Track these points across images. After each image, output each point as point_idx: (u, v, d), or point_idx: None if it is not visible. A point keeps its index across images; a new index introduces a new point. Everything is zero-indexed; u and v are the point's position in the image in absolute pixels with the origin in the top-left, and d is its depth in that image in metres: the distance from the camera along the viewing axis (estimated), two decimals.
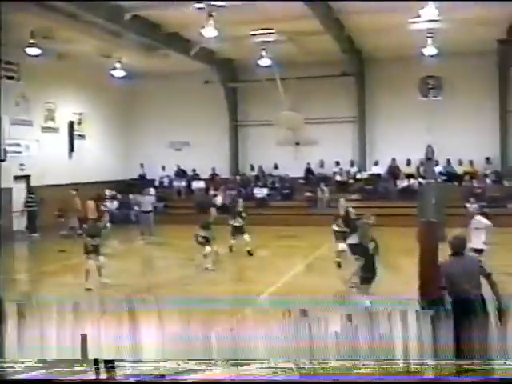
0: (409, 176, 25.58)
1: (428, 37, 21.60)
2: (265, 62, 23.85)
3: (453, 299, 7.03)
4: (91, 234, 13.62)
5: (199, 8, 17.54)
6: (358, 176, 26.71)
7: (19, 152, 22.33)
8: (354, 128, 27.41)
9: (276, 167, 28.13)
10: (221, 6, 17.28)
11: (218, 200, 25.31)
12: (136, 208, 23.88)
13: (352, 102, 27.24)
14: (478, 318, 6.81)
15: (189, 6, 17.70)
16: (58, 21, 18.60)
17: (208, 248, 15.16)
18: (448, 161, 25.81)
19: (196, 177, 28.67)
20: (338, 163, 27.09)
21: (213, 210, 16.43)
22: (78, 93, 26.57)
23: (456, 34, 21.14)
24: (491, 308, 6.96)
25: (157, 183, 28.96)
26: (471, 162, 25.69)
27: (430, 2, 17.42)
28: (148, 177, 29.43)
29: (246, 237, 17.09)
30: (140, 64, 25.12)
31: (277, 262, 16.40)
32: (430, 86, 26.34)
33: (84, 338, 6.73)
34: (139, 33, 20.91)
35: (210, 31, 18.13)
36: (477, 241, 12.48)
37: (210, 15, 17.58)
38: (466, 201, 23.02)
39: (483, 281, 7.22)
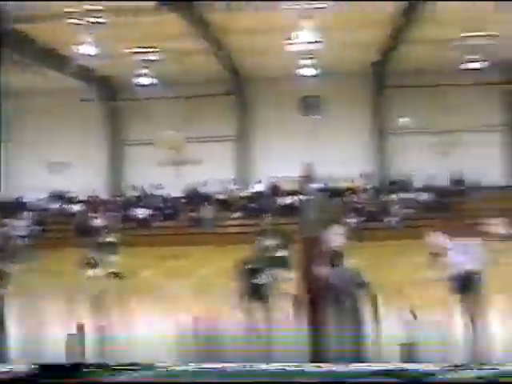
0: (290, 193, 25.98)
1: (306, 58, 22.21)
2: (146, 80, 23.56)
3: (333, 308, 7.42)
4: None
5: (77, 24, 17.06)
6: (241, 194, 26.84)
7: None
8: (237, 146, 27.62)
9: (158, 187, 27.69)
10: (99, 22, 16.89)
11: (98, 222, 24.56)
12: (9, 232, 22.65)
13: (234, 120, 27.46)
14: (352, 321, 7.33)
15: (66, 21, 17.13)
16: None
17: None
18: (327, 178, 26.51)
19: (74, 199, 27.64)
20: (220, 182, 27.06)
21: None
22: None
23: (333, 56, 21.87)
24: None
25: (33, 206, 27.62)
26: (351, 178, 26.58)
27: (306, 23, 17.92)
28: (24, 199, 28.01)
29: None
30: (12, 80, 23.99)
31: (160, 282, 16.05)
32: (309, 105, 27.12)
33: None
34: (14, 48, 19.94)
35: (87, 48, 17.67)
36: None
37: (89, 32, 17.15)
38: (346, 216, 23.79)
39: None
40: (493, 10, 17.82)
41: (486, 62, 22.63)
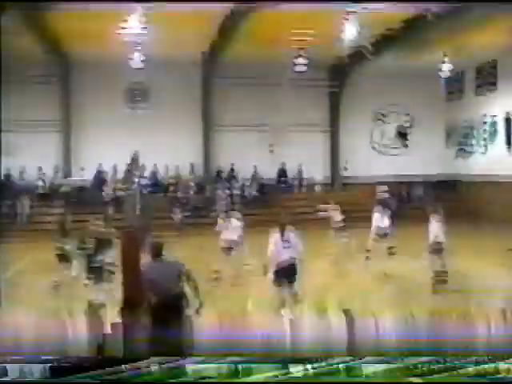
0: (115, 186, 25.18)
1: (135, 45, 21.62)
2: None
3: (155, 300, 7.49)
4: None
5: None
6: (64, 187, 25.33)
7: None
8: (59, 135, 26.26)
9: None
10: None
11: None
12: None
13: (57, 106, 26.09)
14: (176, 313, 7.41)
15: None
16: None
17: None
18: (154, 172, 26.17)
19: None
20: (40, 169, 25.43)
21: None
22: None
23: (163, 45, 21.50)
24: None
25: None
26: (177, 172, 26.42)
27: (137, 12, 17.44)
28: None
29: None
30: None
31: None
32: (136, 95, 26.57)
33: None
34: None
35: None
36: None
37: None
38: (171, 210, 23.62)
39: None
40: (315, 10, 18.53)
41: (306, 62, 23.43)
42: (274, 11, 18.71)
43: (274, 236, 9.95)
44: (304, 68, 23.60)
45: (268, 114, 26.60)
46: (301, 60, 23.33)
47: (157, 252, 7.87)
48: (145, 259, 8.25)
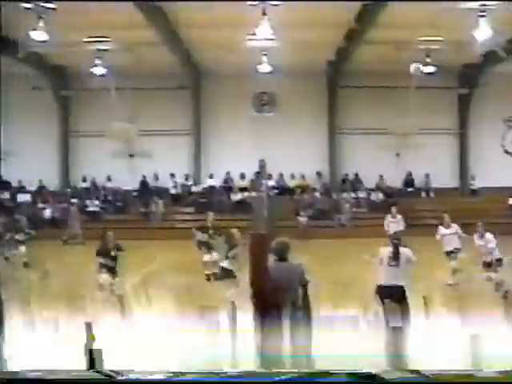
0: (242, 189, 26.03)
1: (263, 54, 22.20)
2: (99, 70, 23.12)
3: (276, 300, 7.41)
4: None
5: (27, 8, 16.59)
6: (193, 189, 26.70)
7: None
8: (190, 141, 27.41)
9: (109, 179, 27.28)
10: (50, 8, 16.47)
11: (47, 213, 24.08)
12: None
13: (188, 114, 27.24)
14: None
15: (18, 5, 16.64)
16: None
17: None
18: (280, 175, 26.68)
19: (22, 189, 26.94)
20: (172, 176, 26.91)
21: None
22: None
23: (289, 54, 21.88)
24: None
25: None
26: (303, 176, 26.76)
27: (264, 21, 17.86)
28: None
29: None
30: None
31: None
32: (263, 102, 27.14)
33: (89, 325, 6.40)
34: None
35: (39, 34, 17.22)
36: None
37: (40, 17, 16.70)
38: (296, 213, 23.89)
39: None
40: (444, 15, 18.09)
41: (435, 67, 22.90)
42: (401, 14, 18.50)
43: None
44: (432, 70, 23.09)
45: (394, 119, 26.19)
46: (428, 63, 22.86)
47: (282, 253, 7.85)
48: (270, 260, 8.43)
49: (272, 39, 19.65)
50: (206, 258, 14.00)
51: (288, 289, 7.51)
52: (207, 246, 14.12)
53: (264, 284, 7.63)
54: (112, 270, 11.34)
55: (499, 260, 12.41)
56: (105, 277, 11.21)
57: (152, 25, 19.04)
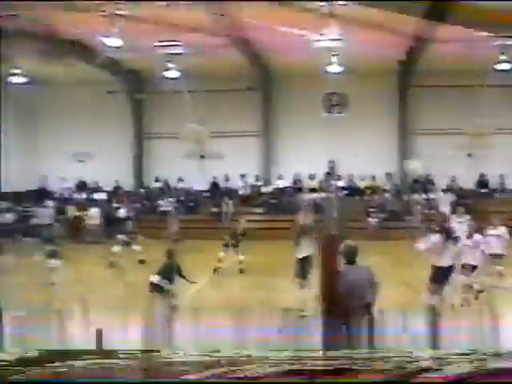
0: (312, 190, 26.02)
1: (332, 54, 22.11)
2: (171, 73, 23.64)
3: (348, 304, 7.57)
4: None
5: (103, 15, 17.16)
6: (263, 190, 26.92)
7: None
8: (259, 142, 27.65)
9: (181, 180, 27.86)
10: (125, 14, 16.98)
11: (122, 212, 24.74)
12: (34, 220, 23.02)
13: (257, 116, 27.49)
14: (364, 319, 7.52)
15: (93, 13, 17.23)
16: None
17: None
18: (350, 176, 26.54)
19: (98, 189, 27.92)
20: (242, 177, 27.23)
21: None
22: None
23: (359, 54, 21.73)
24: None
25: (57, 195, 27.93)
26: (373, 177, 26.52)
27: (333, 21, 17.84)
28: (48, 188, 28.38)
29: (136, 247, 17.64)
30: (41, 71, 24.24)
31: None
32: (333, 103, 27.02)
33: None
34: (41, 39, 20.18)
35: (114, 40, 17.77)
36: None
37: (114, 23, 17.23)
38: (367, 214, 23.72)
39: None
40: None
41: (510, 64, 22.27)
42: (471, 8, 18.04)
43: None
44: (507, 67, 22.47)
45: (468, 119, 25.54)
46: (504, 60, 22.26)
47: (351, 256, 7.94)
48: (340, 263, 8.45)
49: (341, 39, 19.59)
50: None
51: (360, 292, 7.58)
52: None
53: (335, 286, 7.68)
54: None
55: None
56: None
57: (222, 28, 19.33)
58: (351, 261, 7.91)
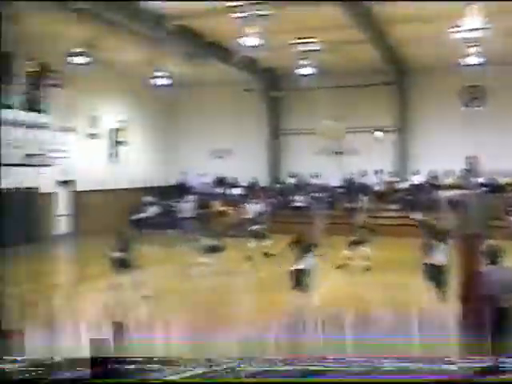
0: (450, 187, 25.20)
1: (470, 46, 21.28)
2: (306, 70, 23.83)
3: (490, 307, 7.23)
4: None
5: (241, 17, 17.64)
6: (398, 186, 26.48)
7: (63, 157, 22.58)
8: (395, 137, 27.20)
9: (315, 176, 28.04)
10: (262, 14, 17.35)
11: (258, 208, 25.36)
12: (176, 214, 24.18)
13: (393, 111, 27.06)
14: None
15: (230, 15, 17.76)
16: (103, 30, 18.97)
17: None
18: (490, 172, 25.38)
19: (235, 184, 28.76)
20: (377, 173, 26.93)
21: None
22: (122, 100, 27.06)
23: (499, 44, 20.78)
24: None
25: (197, 190, 29.09)
26: None
27: (473, 10, 17.18)
28: (188, 184, 29.67)
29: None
30: (182, 72, 25.35)
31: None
32: (471, 96, 26.03)
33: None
34: (181, 41, 21.15)
35: (251, 40, 18.19)
36: None
37: (252, 24, 17.65)
38: (506, 213, 22.66)
39: None
40: None
41: None
42: None
43: None
44: None
45: None
46: None
47: (495, 257, 7.60)
48: (482, 263, 8.16)
49: (479, 29, 18.81)
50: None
51: (506, 295, 7.28)
52: None
53: (477, 289, 7.45)
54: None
55: None
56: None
57: (357, 24, 19.24)
58: (495, 261, 7.60)
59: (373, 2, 18.32)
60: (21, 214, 20.76)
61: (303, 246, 10.88)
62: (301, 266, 10.63)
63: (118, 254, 12.73)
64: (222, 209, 17.61)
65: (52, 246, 21.79)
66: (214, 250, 15.25)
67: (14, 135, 20.59)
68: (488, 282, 7.40)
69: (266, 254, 17.63)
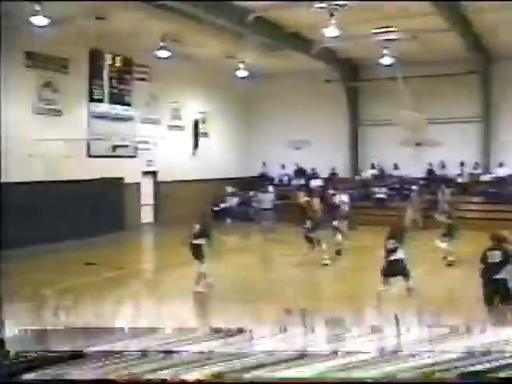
0: None
1: None
2: (386, 60, 23.61)
3: None
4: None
5: (320, 8, 17.69)
6: (481, 178, 25.76)
7: (148, 149, 23.33)
8: (478, 128, 26.51)
9: (396, 167, 27.73)
10: (343, 5, 17.35)
11: (337, 198, 25.34)
12: (255, 205, 24.55)
13: (476, 101, 26.36)
14: None
15: (310, 7, 17.85)
16: (186, 25, 19.47)
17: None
18: None
19: (314, 175, 28.80)
20: (460, 164, 26.34)
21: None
22: (203, 92, 27.60)
23: None
24: None
25: (276, 181, 29.35)
26: None
27: None
28: (268, 175, 29.96)
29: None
30: (262, 64, 25.62)
31: None
32: None
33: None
34: (262, 33, 21.37)
35: (331, 31, 18.22)
36: None
37: (332, 15, 17.68)
38: None
39: None
40: None
41: None
42: None
43: None
44: None
45: None
46: None
47: None
48: None
49: None
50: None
51: None
52: None
53: None
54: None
55: None
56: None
57: (440, 12, 18.88)
58: None
59: None
60: (109, 204, 21.65)
61: (399, 237, 10.75)
62: (400, 256, 10.60)
63: (198, 241, 13.06)
64: (306, 199, 17.52)
65: (138, 234, 22.66)
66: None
67: (101, 127, 21.54)
68: None
69: (338, 252, 17.48)
